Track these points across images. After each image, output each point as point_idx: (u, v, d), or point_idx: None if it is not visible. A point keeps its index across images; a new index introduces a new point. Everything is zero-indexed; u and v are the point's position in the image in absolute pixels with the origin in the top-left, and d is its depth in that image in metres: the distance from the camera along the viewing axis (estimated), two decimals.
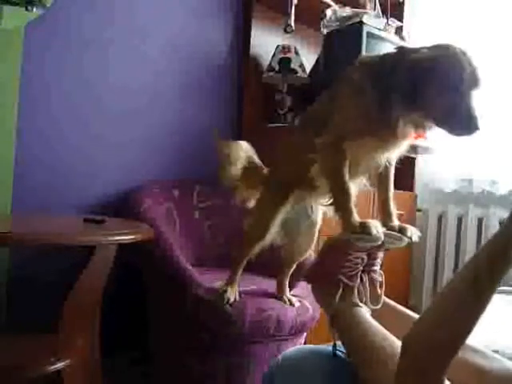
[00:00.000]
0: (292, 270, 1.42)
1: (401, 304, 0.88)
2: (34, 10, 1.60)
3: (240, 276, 1.38)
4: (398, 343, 0.70)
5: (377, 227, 0.83)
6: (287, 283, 1.46)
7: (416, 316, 0.84)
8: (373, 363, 0.70)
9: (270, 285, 1.53)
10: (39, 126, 1.68)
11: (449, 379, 0.61)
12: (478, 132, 0.78)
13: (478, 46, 2.44)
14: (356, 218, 0.87)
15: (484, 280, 0.57)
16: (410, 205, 2.43)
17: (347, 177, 0.90)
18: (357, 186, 1.00)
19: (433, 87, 0.79)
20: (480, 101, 0.82)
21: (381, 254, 0.86)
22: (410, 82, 0.80)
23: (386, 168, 0.98)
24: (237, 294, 1.38)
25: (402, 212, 2.23)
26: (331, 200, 0.93)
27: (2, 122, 1.60)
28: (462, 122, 0.79)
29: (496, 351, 0.85)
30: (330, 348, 0.80)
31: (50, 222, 1.43)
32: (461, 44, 0.87)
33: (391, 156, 0.95)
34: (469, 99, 0.79)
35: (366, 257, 0.83)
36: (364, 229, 0.82)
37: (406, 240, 0.89)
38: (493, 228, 2.38)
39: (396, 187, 2.50)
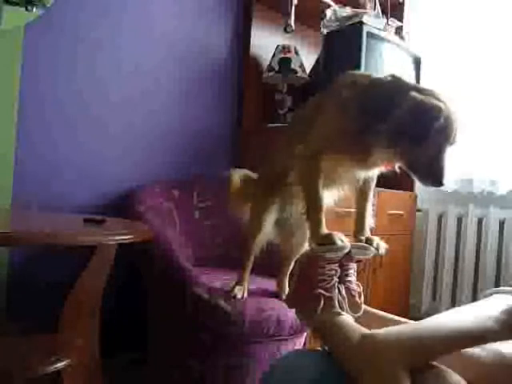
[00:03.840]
0: (290, 268, 1.43)
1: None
2: (34, 10, 1.60)
3: (248, 275, 1.43)
4: None
5: (341, 238, 0.87)
6: (287, 282, 1.47)
7: (399, 319, 0.87)
8: (356, 363, 0.71)
9: (270, 285, 1.53)
10: (39, 126, 1.68)
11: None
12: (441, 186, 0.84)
13: (477, 45, 2.45)
14: (323, 229, 0.90)
15: None
16: (410, 205, 2.43)
17: (321, 189, 0.93)
18: (334, 196, 1.04)
19: (425, 136, 0.80)
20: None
21: (353, 265, 0.89)
22: (408, 121, 0.80)
23: (367, 182, 1.00)
24: (245, 292, 1.41)
25: (401, 212, 2.26)
26: (304, 209, 0.96)
27: (2, 121, 1.60)
28: (432, 176, 0.83)
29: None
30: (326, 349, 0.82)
31: (50, 221, 1.43)
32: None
33: (368, 174, 0.97)
34: (445, 155, 0.82)
35: (338, 268, 0.85)
36: (329, 240, 0.86)
37: (373, 250, 0.92)
38: (493, 228, 2.38)
39: (396, 187, 2.50)
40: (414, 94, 0.81)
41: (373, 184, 1.02)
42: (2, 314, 1.60)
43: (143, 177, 1.94)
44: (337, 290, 0.83)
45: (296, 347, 1.56)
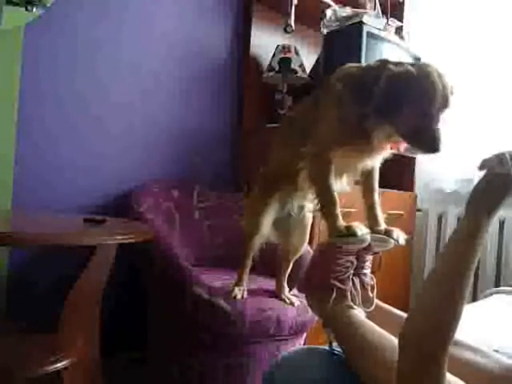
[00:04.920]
0: (289, 268, 1.43)
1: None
2: (34, 10, 1.60)
3: (247, 275, 1.43)
4: (392, 340, 0.72)
5: (361, 229, 0.85)
6: (285, 282, 1.47)
7: None
8: (368, 360, 0.71)
9: (270, 285, 1.53)
10: (39, 126, 1.68)
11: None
12: (438, 153, 0.83)
13: (477, 45, 2.45)
14: (341, 222, 0.89)
15: (455, 279, 0.64)
16: (410, 205, 2.43)
17: (333, 184, 0.93)
18: (339, 189, 1.02)
19: (405, 104, 0.82)
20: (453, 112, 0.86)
21: (369, 258, 0.88)
22: (386, 94, 0.82)
23: (370, 173, 0.99)
24: (245, 292, 1.41)
25: (401, 212, 2.26)
26: (318, 206, 0.95)
27: (2, 121, 1.60)
28: (425, 142, 0.83)
29: (496, 351, 0.85)
30: (328, 348, 0.81)
31: (50, 221, 1.43)
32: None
33: (371, 163, 0.97)
34: (436, 121, 0.82)
35: (355, 260, 0.85)
36: (349, 231, 0.85)
37: (393, 242, 0.91)
38: (493, 228, 2.38)
39: (396, 187, 2.50)
40: (391, 66, 0.84)
41: (376, 175, 1.01)
42: (1, 313, 1.60)
43: (143, 177, 1.94)
44: (351, 283, 0.83)
45: (296, 347, 1.56)
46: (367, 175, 1.00)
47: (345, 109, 0.89)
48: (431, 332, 0.63)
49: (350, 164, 0.97)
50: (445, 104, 0.83)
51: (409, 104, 0.81)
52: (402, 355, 0.63)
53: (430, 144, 0.82)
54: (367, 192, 1.01)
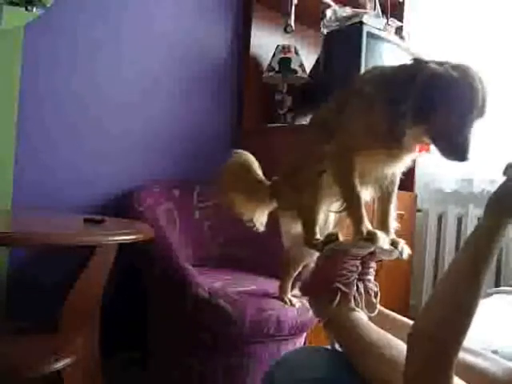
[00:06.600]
0: (298, 271, 1.39)
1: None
2: (34, 10, 1.60)
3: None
4: (396, 341, 0.72)
5: (384, 239, 0.85)
6: (290, 285, 1.44)
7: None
8: (373, 359, 0.71)
9: (270, 285, 1.53)
10: (39, 126, 1.68)
11: None
12: (466, 162, 0.81)
13: (477, 46, 2.45)
14: (365, 226, 0.87)
15: (470, 279, 0.63)
16: (410, 205, 2.43)
17: (358, 185, 0.90)
18: (365, 196, 0.99)
19: (444, 105, 0.78)
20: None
21: (374, 265, 0.88)
22: (424, 93, 0.79)
23: (391, 181, 0.98)
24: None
25: (402, 212, 2.25)
26: (343, 206, 0.93)
27: (2, 122, 1.60)
28: (455, 148, 0.80)
29: (495, 351, 0.85)
30: (329, 348, 0.82)
31: (50, 221, 1.43)
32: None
33: (396, 170, 0.95)
34: (470, 128, 0.80)
35: (360, 265, 0.85)
36: (372, 237, 0.84)
37: (397, 253, 0.90)
38: None
39: None
40: (432, 65, 0.80)
41: (396, 183, 0.99)
42: (1, 314, 1.60)
43: (143, 177, 1.94)
44: (355, 287, 0.83)
45: (296, 347, 1.56)
46: (388, 184, 0.98)
47: (375, 110, 0.86)
48: (442, 338, 0.62)
49: (375, 170, 0.93)
50: (482, 111, 0.80)
51: (447, 106, 0.78)
52: (410, 358, 0.63)
53: (460, 152, 0.80)
54: (384, 200, 0.98)
